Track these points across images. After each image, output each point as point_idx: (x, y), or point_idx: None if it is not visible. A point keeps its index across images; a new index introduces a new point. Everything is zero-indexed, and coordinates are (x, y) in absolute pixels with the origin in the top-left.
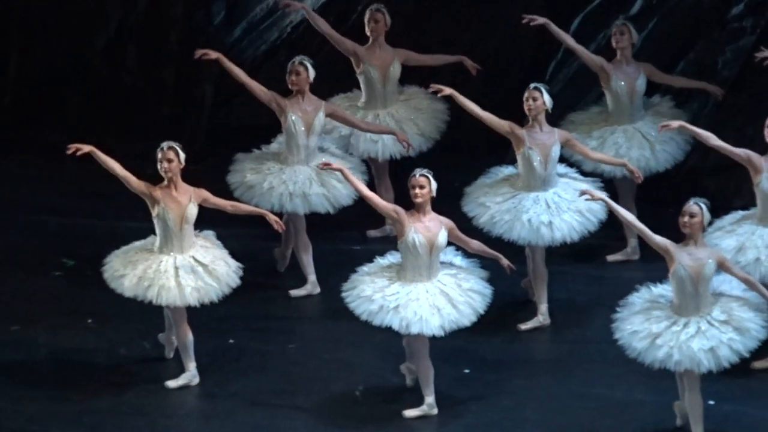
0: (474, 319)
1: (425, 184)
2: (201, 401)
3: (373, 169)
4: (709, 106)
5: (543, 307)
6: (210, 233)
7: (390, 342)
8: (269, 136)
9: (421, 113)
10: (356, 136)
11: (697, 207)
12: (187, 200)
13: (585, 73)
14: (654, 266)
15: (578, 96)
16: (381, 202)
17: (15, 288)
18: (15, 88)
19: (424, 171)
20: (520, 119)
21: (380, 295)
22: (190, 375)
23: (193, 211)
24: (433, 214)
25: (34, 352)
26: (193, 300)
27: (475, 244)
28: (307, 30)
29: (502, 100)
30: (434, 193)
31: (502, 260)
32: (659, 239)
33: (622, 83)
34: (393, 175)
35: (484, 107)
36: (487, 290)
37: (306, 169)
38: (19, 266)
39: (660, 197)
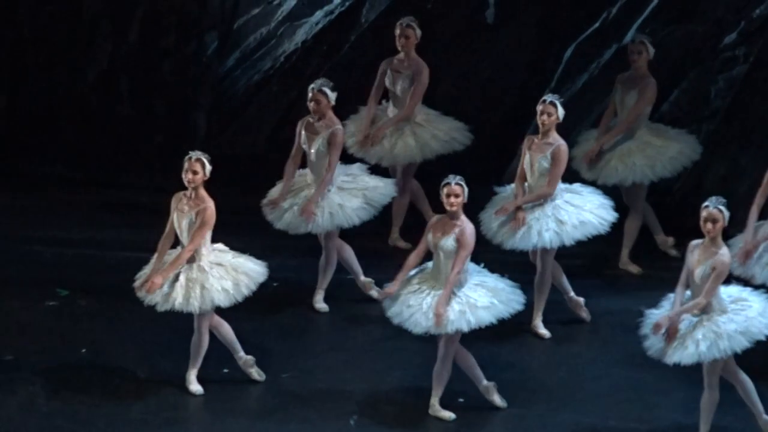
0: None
1: (460, 193)
2: (193, 427)
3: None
4: (702, 135)
5: (537, 320)
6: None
7: (385, 371)
8: (263, 166)
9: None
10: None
11: (717, 211)
12: (194, 209)
13: (577, 101)
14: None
15: (572, 123)
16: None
17: (9, 318)
18: (6, 120)
19: (458, 179)
20: (515, 145)
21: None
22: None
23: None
24: (462, 219)
25: (29, 381)
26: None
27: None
28: (300, 60)
29: (496, 127)
30: (466, 199)
31: None
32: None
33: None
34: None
35: (477, 135)
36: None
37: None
38: (13, 296)
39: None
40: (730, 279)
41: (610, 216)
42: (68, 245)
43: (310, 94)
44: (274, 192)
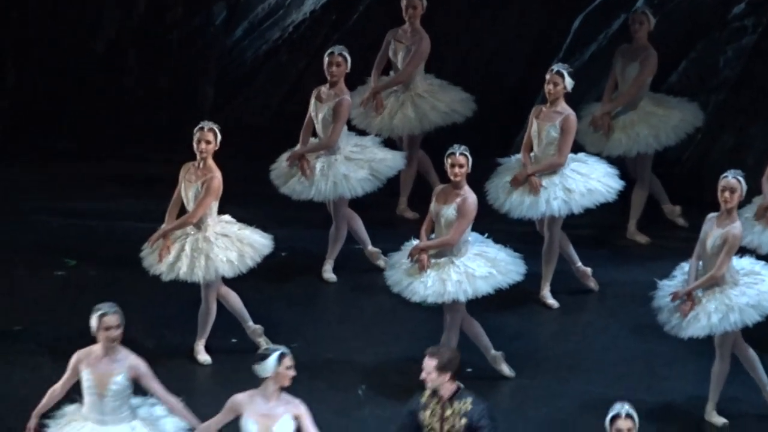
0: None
1: (464, 162)
2: (201, 398)
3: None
4: (710, 106)
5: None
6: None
7: (393, 341)
8: (268, 137)
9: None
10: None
11: (735, 181)
12: (200, 179)
13: (586, 72)
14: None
15: (579, 95)
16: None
17: (18, 288)
18: (14, 94)
19: (463, 149)
20: (523, 116)
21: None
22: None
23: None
24: (465, 188)
25: (36, 352)
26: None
27: None
28: (308, 29)
29: (502, 100)
30: (470, 169)
31: None
32: None
33: None
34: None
35: (484, 107)
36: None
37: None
38: (22, 266)
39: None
40: (741, 251)
41: (617, 184)
42: (76, 216)
43: (328, 59)
44: (281, 162)
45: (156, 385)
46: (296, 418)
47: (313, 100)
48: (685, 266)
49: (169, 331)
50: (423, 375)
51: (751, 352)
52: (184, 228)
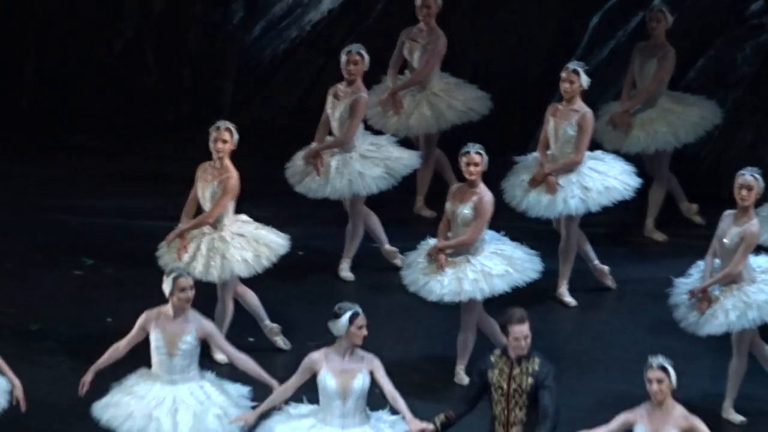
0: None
1: (479, 161)
2: None
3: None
4: (728, 103)
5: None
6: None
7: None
8: (286, 136)
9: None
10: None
11: (752, 179)
12: (217, 179)
13: (604, 70)
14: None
15: (597, 93)
16: None
17: (35, 287)
18: (33, 91)
19: (478, 147)
20: (539, 115)
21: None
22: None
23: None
24: (481, 187)
25: (54, 350)
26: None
27: None
28: (326, 28)
29: (520, 99)
30: (486, 168)
31: None
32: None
33: None
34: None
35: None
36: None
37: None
38: (39, 266)
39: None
40: (758, 249)
41: (634, 181)
42: (94, 214)
43: (345, 57)
44: (296, 161)
45: (226, 345)
46: (371, 373)
47: (329, 98)
48: (701, 264)
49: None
50: (522, 343)
51: (766, 349)
52: (200, 227)
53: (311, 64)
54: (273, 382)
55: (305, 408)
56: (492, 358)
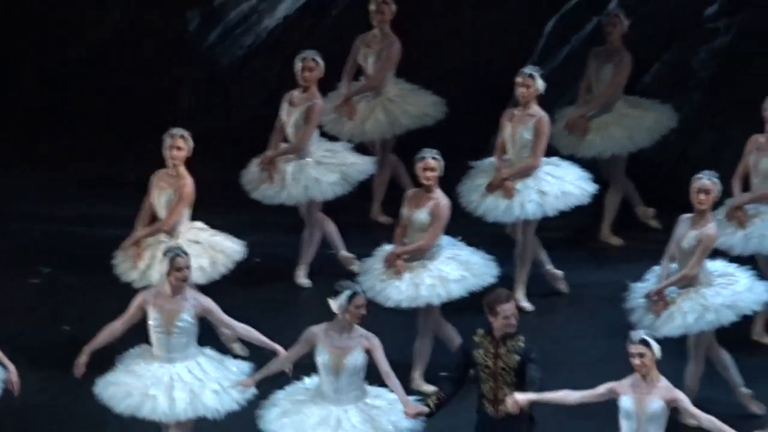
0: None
1: (435, 166)
2: None
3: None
4: (685, 107)
5: (520, 293)
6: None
7: None
8: (242, 143)
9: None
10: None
11: (710, 182)
12: (172, 186)
13: (560, 73)
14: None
15: (553, 97)
16: None
17: None
18: None
19: (434, 152)
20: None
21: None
22: None
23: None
24: (437, 192)
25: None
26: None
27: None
28: (282, 35)
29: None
30: (442, 173)
31: None
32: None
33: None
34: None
35: (460, 108)
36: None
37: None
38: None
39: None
40: (715, 253)
41: (591, 187)
42: (52, 222)
43: (300, 64)
44: (252, 168)
45: (227, 318)
46: (368, 352)
47: (284, 104)
48: (657, 269)
49: (144, 336)
50: (512, 321)
51: (725, 354)
52: (156, 235)
53: (267, 71)
54: (279, 349)
55: (306, 384)
56: (476, 339)
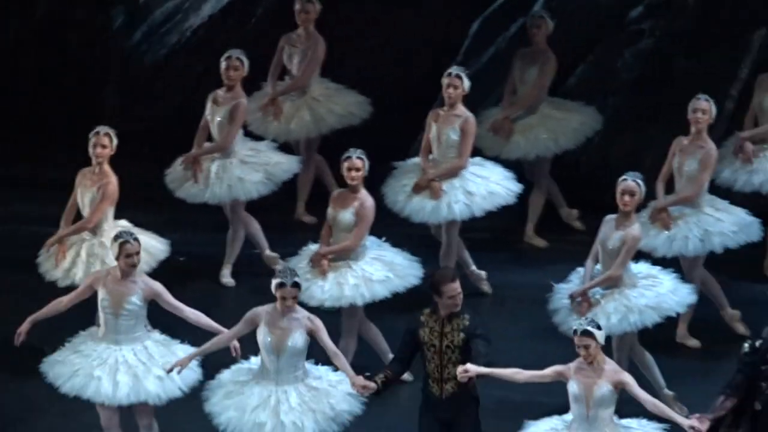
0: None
1: (360, 166)
2: None
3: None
4: (608, 109)
5: None
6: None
7: None
8: (167, 142)
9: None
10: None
11: (635, 184)
12: (96, 184)
13: (484, 74)
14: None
15: (477, 98)
16: None
17: None
18: None
19: (359, 152)
20: (420, 120)
21: None
22: None
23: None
24: (362, 192)
25: None
26: None
27: None
28: (207, 33)
29: (401, 104)
30: (367, 173)
31: None
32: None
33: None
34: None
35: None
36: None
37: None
38: None
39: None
40: (638, 255)
41: (516, 187)
42: None
43: (225, 63)
44: (176, 166)
45: (175, 302)
46: (310, 333)
47: (209, 103)
48: (581, 271)
49: (67, 335)
50: (457, 300)
51: (648, 355)
52: (80, 233)
53: (192, 70)
54: (220, 330)
55: (252, 363)
56: (422, 318)
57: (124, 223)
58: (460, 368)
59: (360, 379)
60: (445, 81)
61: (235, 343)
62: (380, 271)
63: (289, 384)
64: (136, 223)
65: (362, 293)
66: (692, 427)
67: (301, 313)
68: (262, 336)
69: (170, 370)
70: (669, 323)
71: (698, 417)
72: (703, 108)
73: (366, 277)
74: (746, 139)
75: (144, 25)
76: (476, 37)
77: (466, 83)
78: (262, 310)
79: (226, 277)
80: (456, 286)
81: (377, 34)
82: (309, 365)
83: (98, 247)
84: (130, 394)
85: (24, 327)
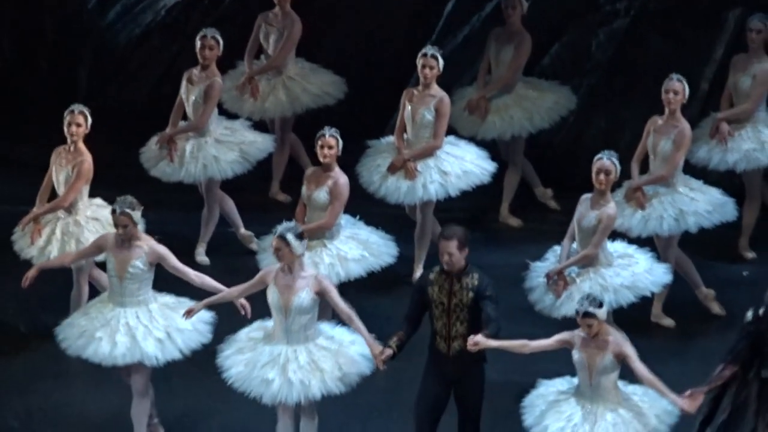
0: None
1: (334, 144)
2: (75, 378)
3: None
4: (583, 89)
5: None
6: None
7: None
8: (142, 121)
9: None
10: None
11: (610, 163)
12: (71, 163)
13: (459, 54)
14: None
15: (452, 78)
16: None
17: None
18: None
19: (333, 131)
20: (395, 100)
21: None
22: None
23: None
24: (336, 170)
25: None
26: None
27: None
28: (181, 13)
29: (376, 84)
30: (340, 152)
31: None
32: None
33: None
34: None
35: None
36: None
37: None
38: None
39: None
40: (614, 235)
41: (491, 166)
42: None
43: (200, 42)
44: (151, 145)
45: (180, 265)
46: (318, 294)
47: (184, 83)
48: (557, 249)
49: (43, 314)
50: (445, 258)
51: (622, 334)
52: (55, 212)
53: (166, 49)
54: (221, 289)
55: (267, 322)
56: (431, 276)
57: (99, 201)
58: (470, 340)
59: (377, 345)
60: (420, 62)
61: (243, 302)
62: (355, 249)
63: (299, 343)
64: (111, 202)
65: (337, 272)
66: (682, 409)
67: (310, 272)
68: (271, 295)
69: (186, 315)
70: (644, 303)
71: (690, 393)
72: (676, 88)
73: (341, 256)
74: (722, 119)
75: (118, 4)
76: (451, 17)
77: (441, 63)
78: (274, 269)
79: (201, 256)
80: (444, 245)
81: (353, 13)
82: (324, 325)
83: (73, 225)
84: (126, 354)
85: (31, 273)
